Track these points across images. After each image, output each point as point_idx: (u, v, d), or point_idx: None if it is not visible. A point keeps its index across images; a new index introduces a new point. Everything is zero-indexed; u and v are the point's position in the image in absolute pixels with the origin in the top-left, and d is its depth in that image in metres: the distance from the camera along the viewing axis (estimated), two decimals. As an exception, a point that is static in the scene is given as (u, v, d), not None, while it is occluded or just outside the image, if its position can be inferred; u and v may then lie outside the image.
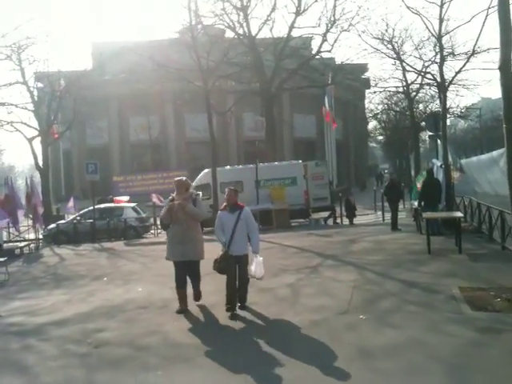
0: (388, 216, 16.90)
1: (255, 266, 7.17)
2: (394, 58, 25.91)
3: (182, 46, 23.02)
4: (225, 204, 7.33)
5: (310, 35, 29.61)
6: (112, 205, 21.86)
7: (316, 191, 22.04)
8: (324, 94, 35.86)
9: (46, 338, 6.58)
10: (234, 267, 7.15)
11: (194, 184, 21.90)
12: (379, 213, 20.66)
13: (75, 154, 48.96)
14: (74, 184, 47.60)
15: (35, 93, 28.28)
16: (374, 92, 31.71)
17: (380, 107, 42.15)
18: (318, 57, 29.60)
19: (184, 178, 7.62)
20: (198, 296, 7.74)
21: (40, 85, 31.68)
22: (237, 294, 7.22)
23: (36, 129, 27.76)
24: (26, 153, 45.40)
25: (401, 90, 31.20)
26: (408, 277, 8.79)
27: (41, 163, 27.71)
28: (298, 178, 21.41)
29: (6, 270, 11.79)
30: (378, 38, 24.36)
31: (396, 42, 25.67)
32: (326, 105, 35.17)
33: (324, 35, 26.86)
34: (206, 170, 21.90)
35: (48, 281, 11.38)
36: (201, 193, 8.18)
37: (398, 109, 41.71)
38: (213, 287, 8.16)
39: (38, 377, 5.20)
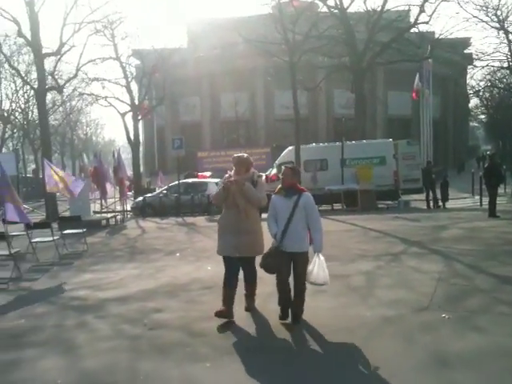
0: (486, 201, 15.46)
1: (317, 269, 5.72)
2: (498, 29, 23.71)
3: (272, 20, 22.43)
4: (279, 186, 5.88)
5: (406, 6, 27.84)
6: (196, 180, 21.99)
7: (406, 172, 20.82)
8: (420, 70, 33.82)
9: (103, 316, 6.41)
10: (286, 267, 5.71)
11: (277, 162, 21.64)
12: (477, 197, 19.13)
13: (168, 129, 50.26)
14: (167, 158, 48.95)
15: (127, 68, 29.09)
16: (475, 66, 29.36)
17: (482, 84, 39.15)
18: (414, 29, 27.82)
19: (245, 155, 6.22)
20: (251, 300, 6.38)
21: (136, 61, 32.57)
22: (289, 301, 5.83)
23: (128, 104, 28.62)
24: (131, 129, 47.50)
25: (505, 65, 28.61)
26: (502, 271, 7.76)
27: (132, 138, 28.59)
28: (387, 158, 20.27)
29: (85, 241, 12.00)
30: (481, 8, 22.34)
31: (501, 12, 23.45)
32: (416, 80, 33.18)
33: (421, 6, 25.12)
34: (290, 148, 21.36)
35: (124, 254, 11.45)
36: (264, 175, 6.59)
37: (502, 86, 38.53)
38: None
39: (82, 359, 4.95)
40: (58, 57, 21.44)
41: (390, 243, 10.91)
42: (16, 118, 41.39)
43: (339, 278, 7.76)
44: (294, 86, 21.04)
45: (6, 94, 40.06)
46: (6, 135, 41.26)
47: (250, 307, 6.36)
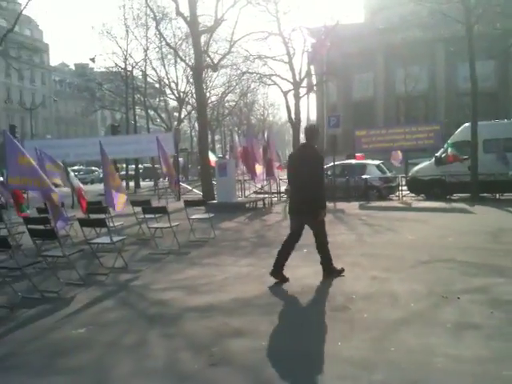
0: None
1: None
2: None
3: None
4: None
5: None
6: (353, 161, 20.04)
7: None
8: None
9: (171, 334, 5.09)
10: None
11: (449, 141, 18.56)
12: None
13: (340, 107, 48.38)
14: (338, 138, 47.13)
15: (290, 44, 27.87)
16: None
17: None
18: None
19: None
20: None
21: (300, 37, 31.23)
22: None
23: (290, 81, 27.50)
24: (303, 108, 46.66)
25: None
26: None
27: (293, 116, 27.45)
28: None
29: (212, 227, 10.99)
30: None
31: None
32: None
33: None
34: (466, 124, 18.11)
35: (248, 245, 10.19)
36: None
37: None
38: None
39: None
40: (210, 34, 21.01)
41: None
42: (193, 97, 42.99)
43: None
44: (470, 52, 17.82)
45: (183, 75, 41.72)
46: (183, 115, 43.15)
47: None
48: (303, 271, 7.46)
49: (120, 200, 8.42)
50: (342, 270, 7.13)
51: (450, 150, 18.02)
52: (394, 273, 7.18)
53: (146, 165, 48.48)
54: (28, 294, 6.59)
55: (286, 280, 6.76)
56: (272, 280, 7.05)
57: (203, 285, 7.01)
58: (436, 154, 18.47)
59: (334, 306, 5.83)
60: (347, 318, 5.34)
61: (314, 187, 6.67)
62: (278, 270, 6.76)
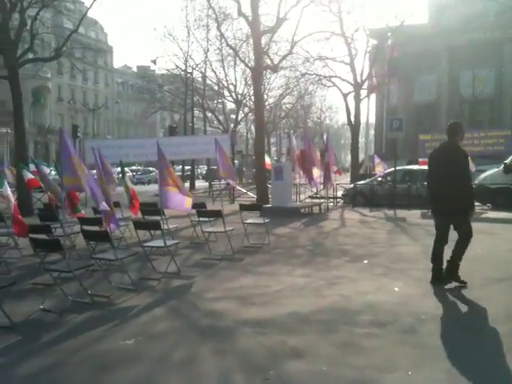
0: None
1: None
2: None
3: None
4: None
5: None
6: (415, 167, 19.16)
7: None
8: None
9: (223, 351, 4.73)
10: None
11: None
12: None
13: (400, 110, 47.03)
14: (398, 142, 45.89)
15: (352, 45, 27.17)
16: None
17: None
18: None
19: None
20: None
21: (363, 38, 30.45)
22: None
23: (350, 83, 26.82)
24: (362, 111, 45.61)
25: None
26: None
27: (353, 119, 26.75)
28: None
29: (267, 233, 10.62)
30: None
31: None
32: None
33: None
34: (541, 130, 16.96)
35: (303, 253, 9.74)
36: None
37: None
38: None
39: None
40: (271, 34, 20.70)
41: None
42: (251, 99, 42.95)
43: None
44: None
45: (242, 77, 41.68)
46: (240, 117, 43.15)
47: None
48: (365, 285, 6.98)
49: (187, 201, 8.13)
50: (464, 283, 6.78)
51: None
52: (465, 291, 6.57)
53: (201, 166, 48.88)
54: (78, 297, 6.42)
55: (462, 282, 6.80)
56: (330, 294, 6.61)
57: (257, 295, 6.64)
58: (505, 161, 17.40)
59: (401, 328, 5.32)
60: (417, 343, 4.83)
61: (466, 185, 6.78)
62: (454, 276, 6.82)
